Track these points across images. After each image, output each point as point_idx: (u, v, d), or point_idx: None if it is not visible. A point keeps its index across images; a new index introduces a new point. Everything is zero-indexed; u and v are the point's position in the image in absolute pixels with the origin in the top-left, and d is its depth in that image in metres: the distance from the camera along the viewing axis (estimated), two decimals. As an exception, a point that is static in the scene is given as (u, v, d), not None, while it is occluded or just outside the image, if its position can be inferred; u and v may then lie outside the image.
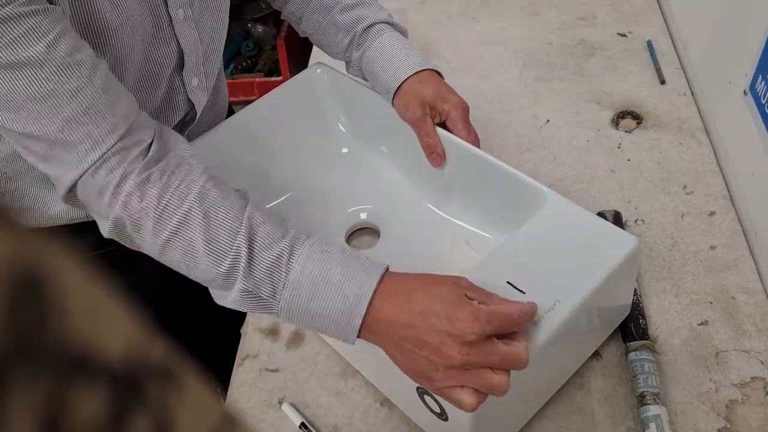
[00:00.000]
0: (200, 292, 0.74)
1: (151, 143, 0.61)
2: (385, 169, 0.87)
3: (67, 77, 0.57)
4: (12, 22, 0.53)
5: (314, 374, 0.75)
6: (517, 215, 0.69)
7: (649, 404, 0.65)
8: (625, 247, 0.63)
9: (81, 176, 0.59)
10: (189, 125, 0.82)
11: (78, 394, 0.15)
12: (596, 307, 0.63)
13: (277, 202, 0.85)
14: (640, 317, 0.72)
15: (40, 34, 0.55)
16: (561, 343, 0.60)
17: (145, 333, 0.18)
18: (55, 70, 0.56)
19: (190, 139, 0.82)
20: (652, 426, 0.63)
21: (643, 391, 0.66)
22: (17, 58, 0.54)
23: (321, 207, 0.85)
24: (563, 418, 0.68)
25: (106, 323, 0.17)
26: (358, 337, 0.55)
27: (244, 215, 0.58)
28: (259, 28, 1.98)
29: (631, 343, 0.70)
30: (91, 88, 0.58)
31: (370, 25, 0.82)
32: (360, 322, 0.54)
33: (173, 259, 0.59)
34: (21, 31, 0.54)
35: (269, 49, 1.93)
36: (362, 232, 0.85)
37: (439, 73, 0.81)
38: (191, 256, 0.58)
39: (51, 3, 0.58)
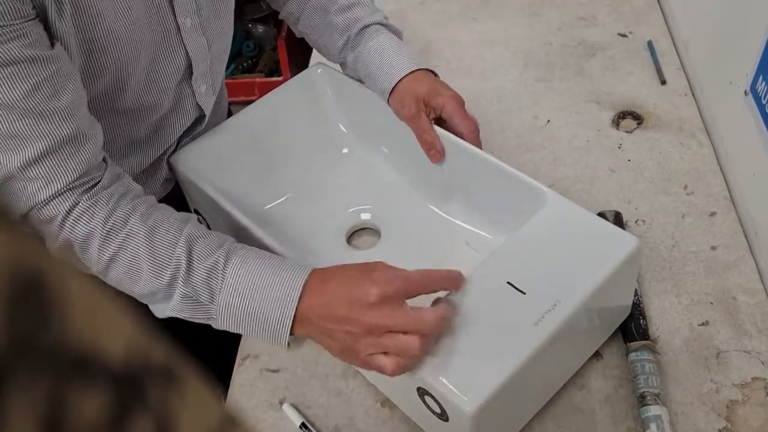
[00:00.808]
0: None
1: (98, 179, 0.63)
2: (386, 169, 0.87)
3: (35, 124, 0.57)
4: (2, 65, 0.54)
5: (315, 375, 0.75)
6: (518, 215, 0.69)
7: (649, 404, 0.65)
8: (625, 247, 0.63)
9: (31, 209, 0.61)
10: (196, 128, 0.83)
11: (78, 395, 0.15)
12: (597, 308, 0.63)
13: (277, 202, 0.85)
14: (640, 317, 0.72)
15: (23, 77, 0.55)
16: (561, 344, 0.60)
17: (146, 334, 0.18)
18: (25, 114, 0.56)
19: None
20: (653, 426, 0.63)
21: (644, 392, 0.66)
22: None
23: (321, 207, 0.85)
24: (564, 419, 0.68)
25: (107, 324, 0.17)
26: (291, 334, 0.59)
27: (183, 230, 0.62)
28: (260, 29, 1.98)
29: (631, 343, 0.70)
30: (58, 136, 0.59)
31: (365, 27, 0.82)
32: (291, 321, 0.58)
33: (118, 275, 0.62)
34: (5, 72, 0.54)
35: (270, 49, 1.93)
36: (363, 232, 0.85)
37: (434, 73, 0.81)
38: (135, 271, 0.61)
39: (48, 30, 0.58)
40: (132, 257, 0.61)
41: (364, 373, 0.73)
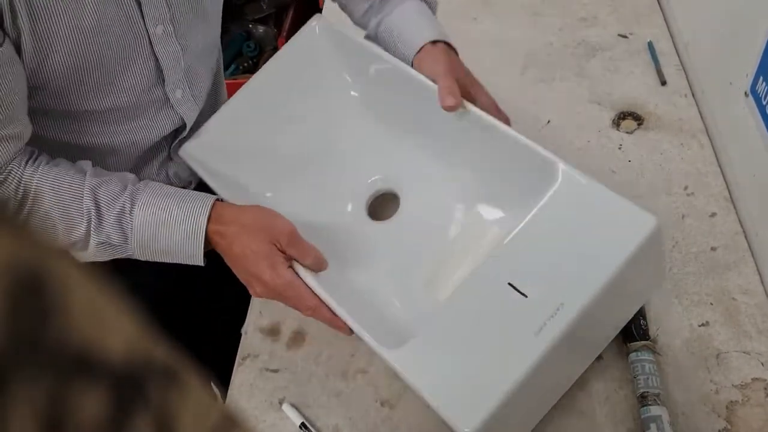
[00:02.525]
0: (201, 293, 0.74)
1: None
2: (402, 138, 0.82)
3: None
4: None
5: (315, 374, 0.75)
6: (531, 186, 0.66)
7: (650, 405, 0.65)
8: (641, 230, 0.58)
9: None
10: (180, 135, 0.82)
11: (79, 394, 0.15)
12: (609, 303, 0.60)
13: (291, 175, 0.82)
14: (641, 318, 0.72)
15: None
16: (566, 350, 0.58)
17: (147, 333, 0.18)
18: None
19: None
20: (653, 427, 0.63)
21: (644, 392, 0.66)
22: None
23: (338, 177, 0.82)
24: (564, 419, 0.68)
25: (108, 323, 0.17)
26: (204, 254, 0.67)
27: (84, 183, 0.65)
28: (260, 29, 1.98)
29: (631, 344, 0.70)
30: None
31: None
32: (202, 252, 0.66)
33: None
34: None
35: (270, 49, 1.93)
36: (382, 200, 0.83)
37: (455, 50, 0.80)
38: (51, 228, 0.66)
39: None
40: (44, 216, 0.65)
41: (362, 374, 0.72)
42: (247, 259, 0.65)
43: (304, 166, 0.82)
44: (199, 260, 0.67)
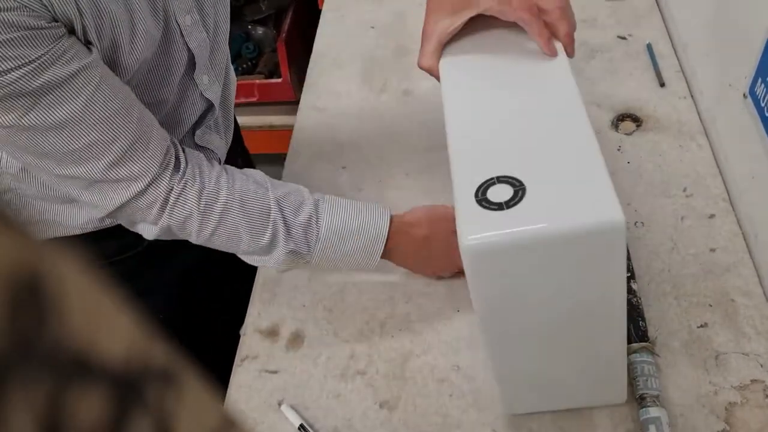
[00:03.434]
0: (200, 294, 0.74)
1: (176, 157, 0.68)
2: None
3: (104, 129, 0.60)
4: (54, 88, 0.56)
5: (314, 376, 0.75)
6: None
7: (648, 406, 0.65)
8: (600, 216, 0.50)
9: (124, 203, 0.66)
10: (208, 118, 0.83)
11: (78, 397, 0.15)
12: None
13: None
14: (639, 319, 0.72)
15: (77, 91, 0.57)
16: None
17: (145, 335, 0.18)
18: (93, 123, 0.59)
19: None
20: (652, 428, 0.63)
21: (643, 393, 0.66)
22: (56, 118, 0.57)
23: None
24: (563, 420, 0.68)
25: (106, 325, 0.17)
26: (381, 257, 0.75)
27: (269, 194, 0.71)
28: (260, 30, 1.98)
29: (630, 345, 0.70)
30: (129, 134, 0.62)
31: None
32: (380, 254, 0.75)
33: (218, 243, 0.72)
34: (60, 93, 0.56)
35: (269, 50, 1.93)
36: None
37: None
38: (235, 238, 0.71)
39: (88, 45, 0.59)
40: (232, 228, 0.70)
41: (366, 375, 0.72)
42: (438, 239, 0.76)
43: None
44: (375, 261, 0.75)
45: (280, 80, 1.76)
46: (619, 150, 0.93)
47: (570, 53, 0.66)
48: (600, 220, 0.49)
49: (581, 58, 1.08)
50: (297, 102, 1.13)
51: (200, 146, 0.84)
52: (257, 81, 1.79)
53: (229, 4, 0.80)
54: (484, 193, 0.53)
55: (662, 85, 1.01)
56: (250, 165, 1.05)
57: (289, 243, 0.71)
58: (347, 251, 0.74)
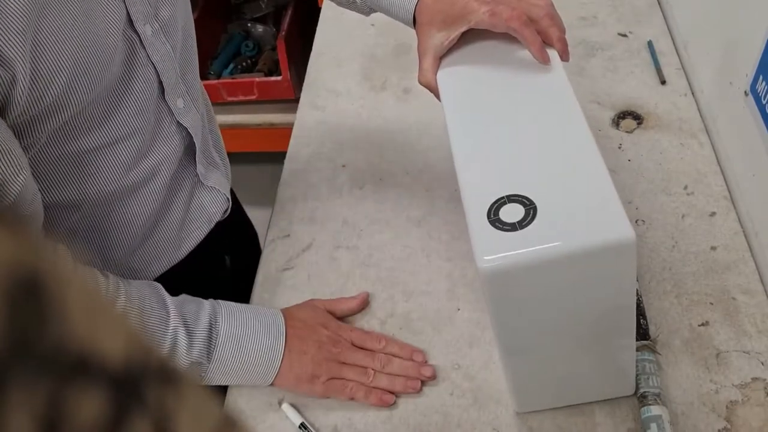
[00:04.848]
0: (200, 294, 0.74)
1: None
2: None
3: None
4: None
5: (314, 375, 0.75)
6: None
7: (650, 405, 0.65)
8: (612, 234, 0.51)
9: None
10: (191, 152, 0.76)
11: (77, 397, 0.15)
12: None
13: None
14: (641, 318, 0.72)
15: None
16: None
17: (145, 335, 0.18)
18: None
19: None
20: (653, 426, 0.63)
21: (645, 392, 0.66)
22: None
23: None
24: (564, 419, 0.68)
25: (106, 325, 0.17)
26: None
27: (166, 303, 0.66)
28: (259, 28, 1.98)
29: (631, 343, 0.70)
30: None
31: None
32: (281, 357, 0.71)
33: None
34: None
35: (269, 48, 1.93)
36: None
37: None
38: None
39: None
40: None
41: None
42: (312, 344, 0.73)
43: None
44: (274, 373, 0.71)
45: (279, 78, 1.76)
46: (619, 148, 0.93)
47: (565, 58, 0.67)
48: (611, 238, 0.51)
49: (582, 56, 1.08)
50: (297, 100, 1.13)
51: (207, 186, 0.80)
52: (257, 79, 1.79)
53: (191, 17, 0.74)
54: (496, 213, 0.54)
55: (663, 82, 1.01)
56: (242, 212, 1.05)
57: (191, 355, 0.66)
58: (247, 357, 0.70)
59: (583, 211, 0.52)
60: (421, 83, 0.71)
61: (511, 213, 0.53)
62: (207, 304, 0.69)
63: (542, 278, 0.53)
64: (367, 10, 0.79)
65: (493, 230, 0.53)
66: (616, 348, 0.62)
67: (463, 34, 0.68)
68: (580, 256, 0.51)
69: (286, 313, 0.75)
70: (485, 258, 0.51)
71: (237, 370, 0.69)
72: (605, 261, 0.52)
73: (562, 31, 0.68)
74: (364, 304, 0.81)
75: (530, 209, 0.53)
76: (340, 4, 0.82)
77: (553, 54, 0.66)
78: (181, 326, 0.65)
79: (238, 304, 0.73)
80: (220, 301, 0.71)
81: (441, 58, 0.70)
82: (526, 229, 0.52)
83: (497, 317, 0.57)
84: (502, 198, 0.55)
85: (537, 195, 0.54)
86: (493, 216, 0.54)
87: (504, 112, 0.63)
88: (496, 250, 0.52)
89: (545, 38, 0.66)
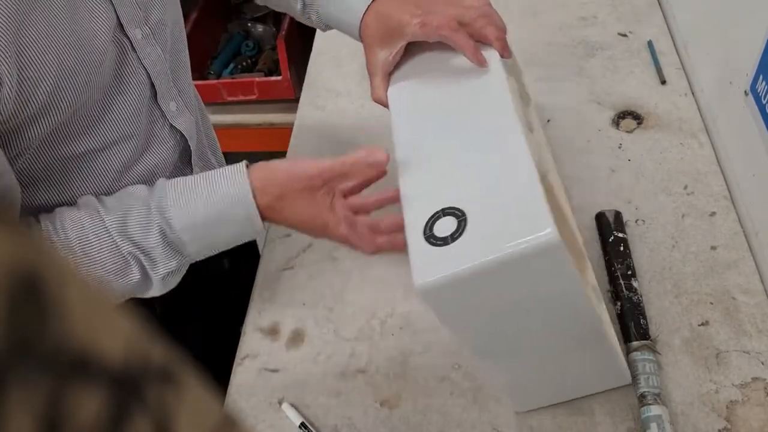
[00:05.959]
0: (200, 293, 0.74)
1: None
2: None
3: None
4: None
5: (314, 374, 0.75)
6: None
7: (650, 404, 0.65)
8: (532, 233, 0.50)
9: None
10: (187, 156, 0.76)
11: (77, 396, 0.15)
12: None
13: None
14: (640, 317, 0.72)
15: None
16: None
17: (145, 334, 0.18)
18: None
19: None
20: (653, 426, 0.63)
21: (644, 392, 0.66)
22: None
23: None
24: (564, 418, 0.68)
25: (106, 325, 0.17)
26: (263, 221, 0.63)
27: (107, 225, 0.60)
28: (259, 28, 1.98)
29: (631, 343, 0.70)
30: None
31: None
32: (259, 222, 0.62)
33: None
34: None
35: (269, 48, 1.93)
36: None
37: None
38: (106, 286, 0.61)
39: None
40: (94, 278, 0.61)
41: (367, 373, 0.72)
42: (303, 227, 0.65)
43: None
44: (258, 233, 0.65)
45: (279, 78, 1.76)
46: (620, 148, 0.93)
47: (505, 55, 0.67)
48: (535, 242, 0.50)
49: (582, 56, 1.08)
50: (297, 100, 1.13)
51: None
52: (257, 79, 1.79)
53: (181, 18, 0.74)
54: (432, 228, 0.55)
55: (663, 82, 1.01)
56: None
57: (158, 269, 0.61)
58: (224, 243, 0.64)
59: (509, 218, 0.52)
60: (374, 100, 0.71)
61: (445, 227, 0.54)
62: (152, 205, 0.61)
63: (478, 290, 0.53)
64: (324, 27, 0.80)
65: (429, 247, 0.53)
66: (591, 345, 0.61)
67: (410, 45, 0.69)
68: (508, 264, 0.51)
69: (268, 189, 0.64)
70: (419, 281, 0.52)
71: (219, 245, 0.64)
72: (536, 264, 0.51)
73: (501, 28, 0.67)
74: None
75: (462, 221, 0.54)
76: (300, 20, 0.82)
77: (492, 54, 0.66)
78: (135, 251, 0.60)
79: (189, 192, 0.62)
80: (168, 187, 0.63)
81: (390, 73, 0.71)
82: (456, 242, 0.52)
83: (450, 329, 0.57)
84: (438, 212, 0.55)
85: (469, 206, 0.54)
86: (429, 231, 0.54)
87: (445, 123, 0.64)
88: (429, 269, 0.52)
89: (481, 39, 0.66)
